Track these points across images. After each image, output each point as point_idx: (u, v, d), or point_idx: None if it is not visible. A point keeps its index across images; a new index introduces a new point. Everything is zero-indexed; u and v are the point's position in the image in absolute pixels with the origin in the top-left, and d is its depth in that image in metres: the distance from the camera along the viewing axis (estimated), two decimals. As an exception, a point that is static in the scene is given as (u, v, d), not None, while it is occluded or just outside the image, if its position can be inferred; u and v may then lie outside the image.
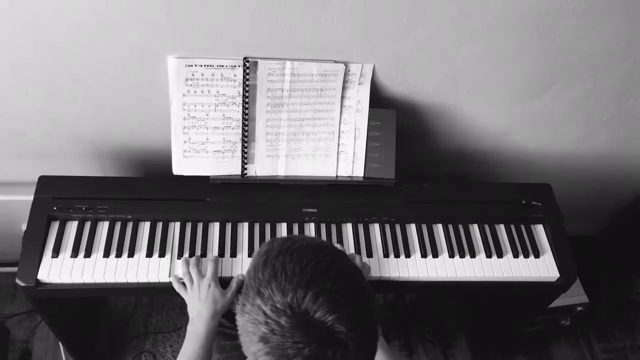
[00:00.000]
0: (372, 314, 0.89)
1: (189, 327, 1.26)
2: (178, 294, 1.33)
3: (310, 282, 0.83)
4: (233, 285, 1.33)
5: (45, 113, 1.48)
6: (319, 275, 0.84)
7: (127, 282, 1.36)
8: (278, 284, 0.84)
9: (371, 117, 1.47)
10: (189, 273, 1.33)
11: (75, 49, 1.30)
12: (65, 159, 1.65)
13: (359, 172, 1.50)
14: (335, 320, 0.81)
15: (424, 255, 1.46)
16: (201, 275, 1.32)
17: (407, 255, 1.45)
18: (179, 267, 1.36)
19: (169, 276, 1.35)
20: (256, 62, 1.37)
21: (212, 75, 1.37)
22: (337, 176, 1.50)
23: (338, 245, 1.41)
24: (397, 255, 1.45)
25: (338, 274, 0.87)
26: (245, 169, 1.47)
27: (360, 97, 1.45)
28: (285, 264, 0.86)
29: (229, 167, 1.46)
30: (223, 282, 1.33)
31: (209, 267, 1.33)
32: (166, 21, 1.24)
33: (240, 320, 0.88)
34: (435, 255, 1.46)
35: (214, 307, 1.26)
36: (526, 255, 1.49)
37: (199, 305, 1.27)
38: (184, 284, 1.33)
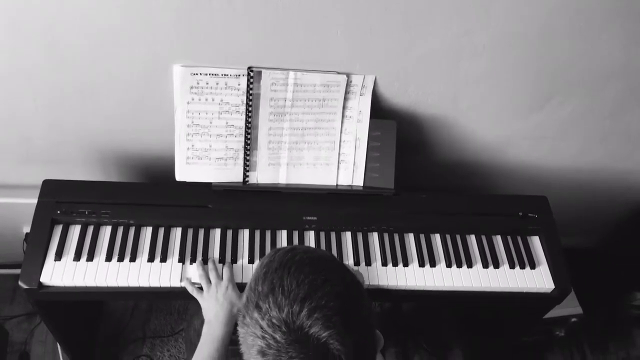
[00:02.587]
0: (369, 328, 0.89)
1: (204, 329, 1.27)
2: (178, 298, 1.35)
3: (305, 298, 0.83)
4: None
5: (52, 119, 1.50)
6: (315, 291, 0.84)
7: (128, 286, 1.37)
8: (275, 299, 0.84)
9: (372, 128, 1.49)
10: (206, 275, 1.35)
11: (83, 57, 1.32)
12: (70, 164, 1.66)
13: (358, 181, 1.52)
14: (330, 337, 0.81)
15: (421, 264, 1.48)
16: (219, 278, 1.34)
17: (405, 265, 1.47)
18: (189, 271, 1.38)
19: (170, 280, 1.37)
20: (260, 72, 1.39)
21: (217, 83, 1.40)
22: (337, 185, 1.53)
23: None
24: (395, 264, 1.47)
25: (334, 289, 0.86)
26: (247, 176, 1.49)
27: (361, 108, 1.48)
28: (282, 278, 0.86)
29: (231, 174, 1.48)
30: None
31: (225, 270, 1.35)
32: (173, 31, 1.27)
33: (242, 331, 0.89)
34: (433, 264, 1.48)
35: (231, 310, 1.27)
36: (522, 267, 1.51)
37: (217, 307, 1.28)
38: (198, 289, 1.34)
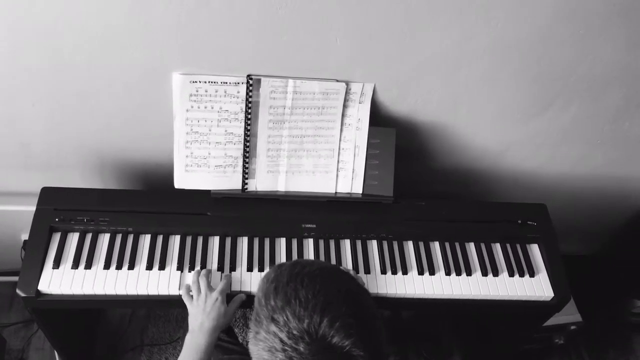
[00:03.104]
0: (382, 332, 0.91)
1: (187, 337, 1.26)
2: (177, 306, 1.34)
3: (324, 308, 0.84)
4: (237, 301, 1.34)
5: (51, 125, 1.50)
6: (332, 300, 0.86)
7: (127, 294, 1.37)
8: (292, 311, 0.85)
9: (371, 135, 1.49)
10: (198, 282, 1.34)
11: (82, 63, 1.32)
12: (68, 171, 1.66)
13: (357, 189, 1.52)
14: (352, 345, 0.82)
15: (420, 272, 1.47)
16: (210, 287, 1.33)
17: (405, 272, 1.46)
18: (187, 279, 1.38)
19: (168, 288, 1.36)
20: (259, 80, 1.39)
21: (216, 91, 1.40)
22: (336, 192, 1.52)
23: (347, 269, 1.44)
24: (394, 272, 1.46)
25: (349, 297, 0.89)
26: (246, 184, 1.49)
27: (360, 116, 1.48)
28: (297, 290, 0.87)
29: (230, 181, 1.48)
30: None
31: (222, 281, 1.35)
32: (173, 38, 1.27)
33: (254, 348, 0.88)
34: (432, 272, 1.48)
35: (216, 322, 1.27)
36: (521, 275, 1.51)
37: (203, 316, 1.27)
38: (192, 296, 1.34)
